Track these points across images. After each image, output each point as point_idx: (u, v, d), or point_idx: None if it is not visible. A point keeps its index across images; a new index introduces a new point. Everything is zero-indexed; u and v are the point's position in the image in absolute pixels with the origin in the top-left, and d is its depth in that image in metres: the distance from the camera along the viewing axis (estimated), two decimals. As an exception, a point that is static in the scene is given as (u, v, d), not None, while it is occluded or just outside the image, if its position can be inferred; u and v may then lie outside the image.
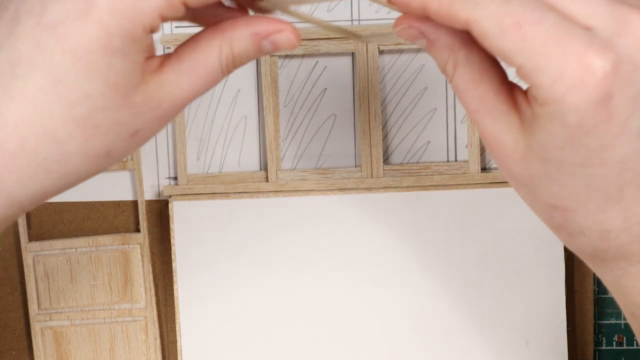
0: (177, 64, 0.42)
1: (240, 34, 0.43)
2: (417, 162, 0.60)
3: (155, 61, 0.42)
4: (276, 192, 0.60)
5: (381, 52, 0.60)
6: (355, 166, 0.61)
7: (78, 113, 0.40)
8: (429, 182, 0.60)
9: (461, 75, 0.41)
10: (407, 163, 0.61)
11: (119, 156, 0.43)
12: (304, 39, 0.59)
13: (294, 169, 0.61)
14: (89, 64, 0.39)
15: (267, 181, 0.60)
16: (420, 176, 0.60)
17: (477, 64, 0.41)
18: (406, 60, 0.60)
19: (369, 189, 0.60)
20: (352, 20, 0.60)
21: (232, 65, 0.43)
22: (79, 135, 0.41)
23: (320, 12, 0.60)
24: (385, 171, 0.60)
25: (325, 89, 0.61)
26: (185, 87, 0.43)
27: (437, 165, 0.60)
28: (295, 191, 0.60)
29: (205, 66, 0.43)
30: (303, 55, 0.60)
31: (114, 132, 0.42)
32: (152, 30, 0.40)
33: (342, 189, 0.60)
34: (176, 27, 0.60)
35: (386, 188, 0.60)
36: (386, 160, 0.61)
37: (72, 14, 0.39)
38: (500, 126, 0.41)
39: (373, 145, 0.60)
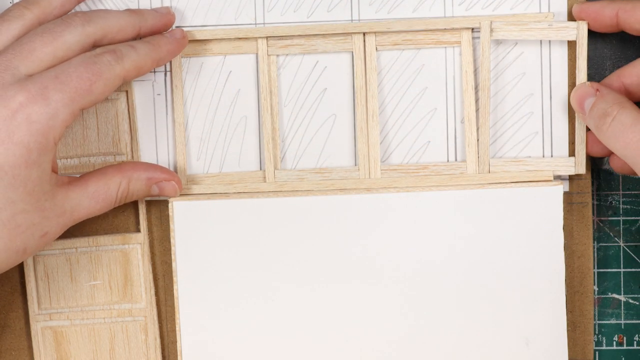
0: (83, 186, 0.55)
1: (138, 176, 0.57)
2: (415, 163, 0.60)
3: (64, 179, 0.54)
4: (276, 192, 0.60)
5: (381, 52, 0.60)
6: (355, 165, 0.61)
7: (4, 217, 0.51)
8: (427, 183, 0.60)
9: (629, 111, 0.54)
10: (405, 163, 0.61)
11: (31, 253, 0.53)
12: (302, 35, 0.59)
13: (294, 168, 0.61)
14: (14, 176, 0.50)
15: (265, 181, 0.60)
16: (418, 176, 0.60)
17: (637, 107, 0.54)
18: (406, 60, 0.60)
19: (368, 189, 0.60)
20: (352, 20, 0.60)
21: (125, 198, 0.57)
22: (5, 234, 0.51)
23: (321, 12, 0.60)
24: (383, 171, 0.60)
25: (326, 88, 0.61)
26: (85, 205, 0.55)
27: (434, 166, 0.60)
28: (295, 191, 0.60)
29: (105, 194, 0.56)
30: (303, 54, 0.60)
31: (30, 232, 0.52)
32: (58, 141, 0.52)
33: (342, 189, 0.60)
34: (176, 26, 0.60)
35: (385, 188, 0.59)
36: (386, 160, 0.61)
37: None
38: None
39: (371, 145, 0.60)
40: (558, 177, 0.60)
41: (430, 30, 0.59)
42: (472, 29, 0.59)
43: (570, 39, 0.59)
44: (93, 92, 0.52)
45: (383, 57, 0.60)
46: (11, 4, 0.61)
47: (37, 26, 0.55)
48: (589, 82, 0.58)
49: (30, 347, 0.62)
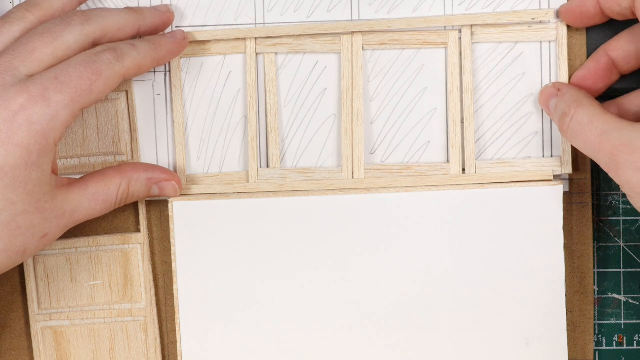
0: (83, 188, 0.55)
1: (138, 177, 0.57)
2: (398, 163, 0.60)
3: (64, 180, 0.54)
4: (276, 192, 0.60)
5: (381, 52, 0.60)
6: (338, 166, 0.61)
7: (4, 218, 0.51)
8: (426, 182, 0.60)
9: (586, 109, 0.54)
10: (389, 163, 0.60)
11: (31, 254, 0.53)
12: (290, 35, 0.59)
13: (295, 167, 0.61)
14: (14, 177, 0.50)
15: (248, 181, 0.60)
16: (411, 177, 0.60)
17: (597, 103, 0.54)
18: (406, 60, 0.60)
19: (368, 189, 0.60)
20: (352, 20, 0.60)
21: (125, 200, 0.57)
22: (5, 236, 0.51)
23: (321, 12, 0.60)
24: (367, 170, 0.60)
25: (326, 89, 0.61)
26: (85, 207, 0.55)
27: (418, 166, 0.60)
28: (294, 191, 0.60)
29: (105, 195, 0.56)
30: (288, 53, 0.60)
31: (30, 233, 0.52)
32: (58, 142, 0.52)
33: (342, 189, 0.60)
34: (176, 27, 0.60)
35: (385, 188, 0.59)
36: (386, 160, 0.61)
37: None
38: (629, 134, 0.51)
39: (355, 145, 0.60)
40: (558, 177, 0.60)
41: (417, 31, 0.59)
42: (459, 30, 0.59)
43: (550, 39, 0.59)
44: (93, 92, 0.52)
45: (383, 58, 0.60)
46: (11, 5, 0.61)
47: None
48: (552, 83, 0.58)
49: (30, 347, 0.62)
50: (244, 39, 0.60)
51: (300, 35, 0.60)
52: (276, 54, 0.60)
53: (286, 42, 0.60)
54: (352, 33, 0.60)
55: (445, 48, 0.60)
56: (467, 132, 0.60)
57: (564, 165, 0.59)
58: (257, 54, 0.60)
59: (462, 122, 0.60)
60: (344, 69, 0.60)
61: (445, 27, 0.59)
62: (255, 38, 0.60)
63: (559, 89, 0.57)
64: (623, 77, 0.59)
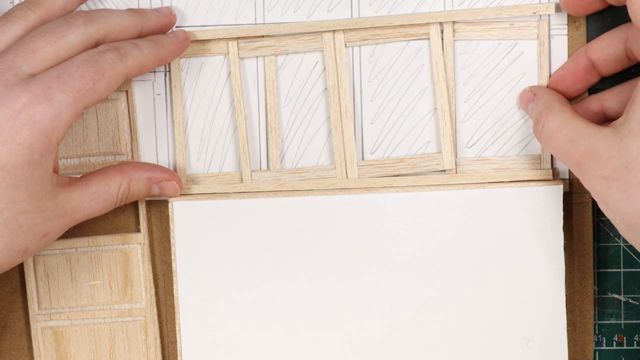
0: (84, 187, 0.55)
1: (138, 176, 0.58)
2: (389, 157, 0.60)
3: (65, 179, 0.54)
4: (276, 192, 0.60)
5: (382, 52, 0.60)
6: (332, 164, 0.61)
7: (6, 217, 0.51)
8: (425, 182, 0.60)
9: (556, 116, 0.53)
10: (380, 158, 0.60)
11: (32, 253, 0.53)
12: (272, 35, 0.59)
13: (294, 167, 0.61)
14: (16, 176, 0.50)
15: (242, 182, 0.60)
16: (395, 170, 0.60)
17: (569, 107, 0.54)
18: (406, 60, 0.60)
19: (368, 189, 0.60)
20: (352, 19, 0.60)
21: (126, 199, 0.57)
22: (7, 234, 0.51)
23: (321, 12, 0.60)
24: (360, 167, 0.60)
25: (325, 88, 0.61)
26: (86, 205, 0.55)
27: (410, 159, 0.60)
28: (294, 191, 0.60)
29: (106, 194, 0.56)
30: (269, 55, 0.60)
31: (31, 232, 0.52)
32: (60, 141, 0.52)
33: (342, 189, 0.60)
34: (177, 27, 0.60)
35: (385, 187, 0.59)
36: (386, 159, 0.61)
37: (1, 139, 0.50)
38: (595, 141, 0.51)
39: (346, 142, 0.60)
40: (558, 177, 0.60)
41: (400, 25, 0.59)
42: (442, 30, 0.59)
43: (532, 38, 0.59)
44: (96, 91, 0.52)
45: (383, 58, 0.60)
46: (12, 5, 0.61)
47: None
48: (529, 87, 0.58)
49: (30, 347, 0.62)
50: (226, 40, 0.60)
51: (281, 37, 0.60)
52: (257, 57, 0.60)
53: (268, 45, 0.60)
54: (334, 32, 0.59)
55: (428, 39, 0.60)
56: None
57: (543, 163, 0.59)
58: (240, 59, 0.60)
59: (463, 122, 0.60)
60: (328, 66, 0.60)
61: (443, 22, 0.59)
62: (237, 40, 0.60)
63: (534, 93, 0.57)
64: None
